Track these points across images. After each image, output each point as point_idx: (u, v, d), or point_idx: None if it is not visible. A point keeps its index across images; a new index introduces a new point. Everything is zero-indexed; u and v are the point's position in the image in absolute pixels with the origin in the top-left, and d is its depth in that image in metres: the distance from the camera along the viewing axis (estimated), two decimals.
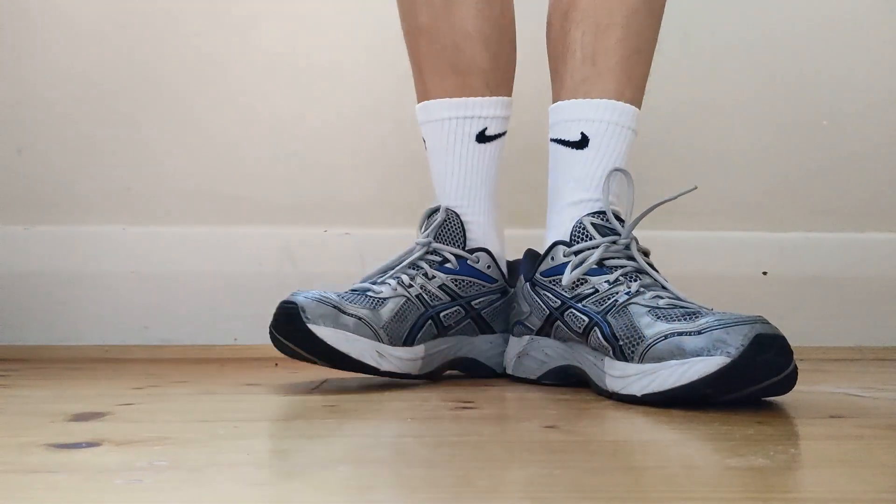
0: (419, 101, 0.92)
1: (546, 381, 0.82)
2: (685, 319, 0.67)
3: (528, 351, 0.84)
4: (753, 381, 0.63)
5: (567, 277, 0.78)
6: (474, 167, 0.89)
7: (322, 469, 0.47)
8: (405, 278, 0.84)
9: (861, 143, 1.23)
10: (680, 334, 0.66)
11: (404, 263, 0.86)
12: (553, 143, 0.85)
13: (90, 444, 0.52)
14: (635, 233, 0.79)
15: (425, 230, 0.89)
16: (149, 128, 1.21)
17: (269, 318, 0.76)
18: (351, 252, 1.20)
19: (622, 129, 0.82)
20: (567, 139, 0.83)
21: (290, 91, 1.22)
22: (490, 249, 0.89)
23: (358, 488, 0.42)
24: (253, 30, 1.22)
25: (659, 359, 0.66)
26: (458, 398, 0.73)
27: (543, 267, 0.82)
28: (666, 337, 0.67)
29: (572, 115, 0.83)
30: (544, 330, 0.82)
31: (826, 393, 0.77)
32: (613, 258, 0.77)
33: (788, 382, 0.64)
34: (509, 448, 0.53)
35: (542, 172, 0.87)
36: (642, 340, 0.68)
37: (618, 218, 0.80)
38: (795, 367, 0.64)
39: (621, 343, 0.71)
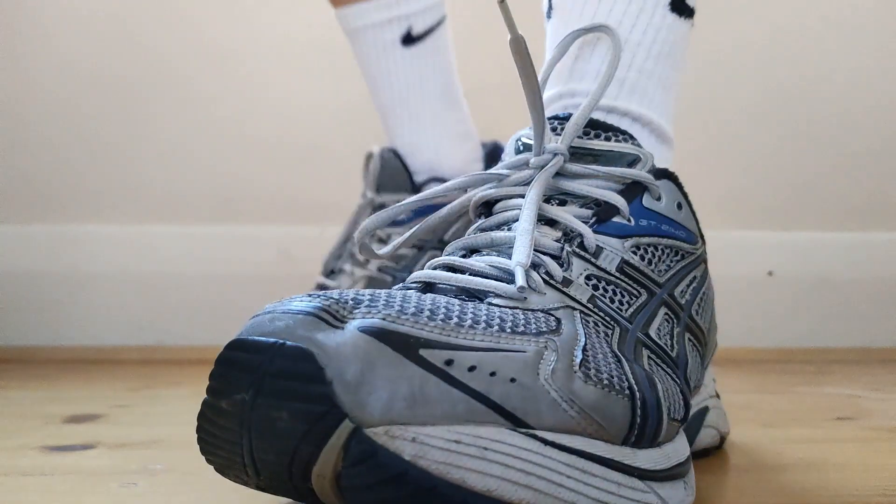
0: (336, 7, 0.79)
1: None
2: None
3: None
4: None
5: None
6: (406, 78, 0.72)
7: None
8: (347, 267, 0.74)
9: (869, 142, 1.22)
10: None
11: (345, 254, 0.76)
12: None
13: (84, 447, 0.51)
14: None
15: (365, 188, 0.75)
16: (144, 126, 1.20)
17: None
18: None
19: None
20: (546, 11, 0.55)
21: (287, 91, 1.21)
22: (442, 174, 0.73)
23: None
24: (248, 28, 1.21)
25: None
26: None
27: None
28: None
29: None
30: None
31: (832, 394, 0.76)
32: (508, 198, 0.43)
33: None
34: None
35: None
36: None
37: (562, 119, 0.45)
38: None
39: None
